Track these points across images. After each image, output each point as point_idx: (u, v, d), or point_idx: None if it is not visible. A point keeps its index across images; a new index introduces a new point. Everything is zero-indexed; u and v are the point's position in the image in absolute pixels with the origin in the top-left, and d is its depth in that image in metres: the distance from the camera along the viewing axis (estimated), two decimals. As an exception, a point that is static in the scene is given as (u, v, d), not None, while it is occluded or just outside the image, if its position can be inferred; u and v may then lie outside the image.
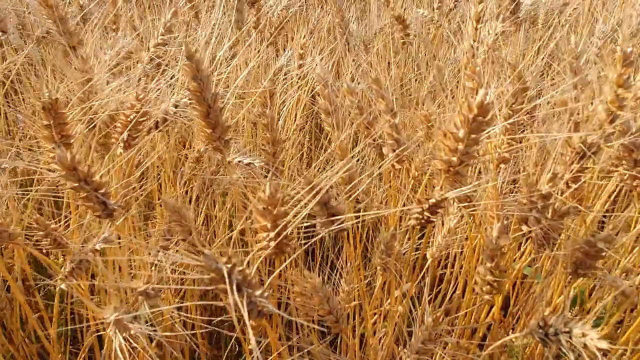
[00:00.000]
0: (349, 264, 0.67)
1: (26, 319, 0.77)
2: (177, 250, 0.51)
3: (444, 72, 0.88)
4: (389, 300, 0.74)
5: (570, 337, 0.45)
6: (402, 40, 0.99)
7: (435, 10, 1.24)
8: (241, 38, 0.93)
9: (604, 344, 0.42)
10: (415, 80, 1.04)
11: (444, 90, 0.75)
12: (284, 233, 0.42)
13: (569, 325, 0.46)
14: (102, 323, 0.64)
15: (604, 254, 0.50)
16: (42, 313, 0.69)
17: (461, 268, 0.82)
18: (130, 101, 0.52)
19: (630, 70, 0.46)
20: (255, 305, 0.38)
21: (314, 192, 0.43)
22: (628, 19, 1.05)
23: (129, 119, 0.52)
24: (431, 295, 0.83)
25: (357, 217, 0.54)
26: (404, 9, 1.04)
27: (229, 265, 0.34)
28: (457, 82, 0.98)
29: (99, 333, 0.68)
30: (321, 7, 1.31)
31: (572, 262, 0.52)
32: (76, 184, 0.43)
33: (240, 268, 0.35)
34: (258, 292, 0.37)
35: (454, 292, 0.83)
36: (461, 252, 0.83)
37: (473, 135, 0.43)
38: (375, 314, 0.77)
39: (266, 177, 0.67)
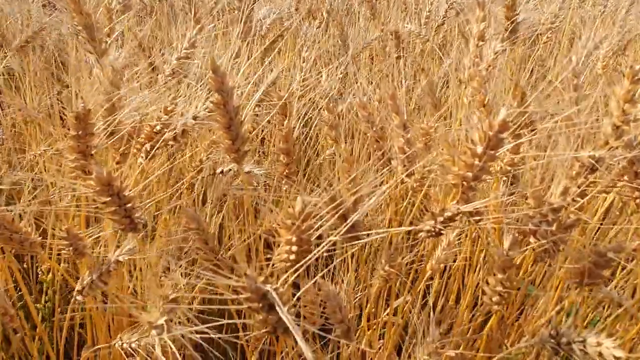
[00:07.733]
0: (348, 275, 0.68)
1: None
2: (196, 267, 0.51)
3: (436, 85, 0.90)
4: (387, 311, 0.74)
5: (585, 346, 0.46)
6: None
7: (423, 26, 1.27)
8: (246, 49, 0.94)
9: (621, 353, 0.43)
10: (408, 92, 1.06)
11: (436, 108, 0.76)
12: (307, 247, 0.43)
13: (582, 334, 0.47)
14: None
15: (613, 263, 0.51)
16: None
17: (453, 279, 0.84)
18: (157, 113, 0.53)
19: (638, 87, 0.48)
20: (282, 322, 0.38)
21: (337, 207, 0.44)
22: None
23: (154, 130, 0.53)
24: (425, 303, 0.84)
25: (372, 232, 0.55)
26: (395, 25, 1.06)
27: (270, 286, 0.34)
28: (445, 91, 1.00)
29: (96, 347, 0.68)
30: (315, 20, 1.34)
31: (580, 272, 0.53)
32: (108, 199, 0.43)
33: (275, 286, 0.35)
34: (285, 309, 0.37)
35: (444, 302, 0.84)
36: (454, 264, 0.84)
37: (491, 152, 0.45)
38: (372, 323, 0.77)
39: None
